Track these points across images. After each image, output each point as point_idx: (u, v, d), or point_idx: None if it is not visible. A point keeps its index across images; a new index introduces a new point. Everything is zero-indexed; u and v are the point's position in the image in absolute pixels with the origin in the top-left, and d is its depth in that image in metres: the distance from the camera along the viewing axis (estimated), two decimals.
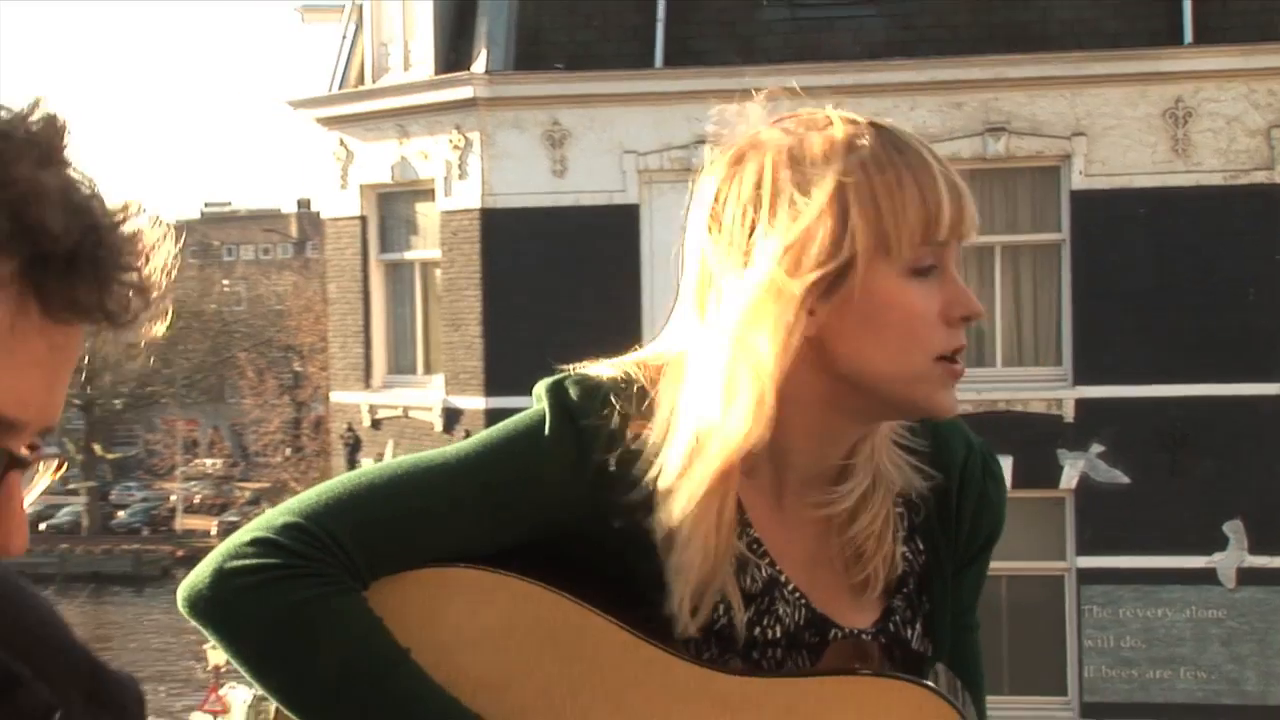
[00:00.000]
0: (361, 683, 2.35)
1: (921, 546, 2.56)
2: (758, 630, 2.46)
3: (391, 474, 2.48)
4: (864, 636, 2.50)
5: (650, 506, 2.42)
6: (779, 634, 2.47)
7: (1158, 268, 22.84)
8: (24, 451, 1.42)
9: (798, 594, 2.48)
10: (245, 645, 2.37)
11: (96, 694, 1.69)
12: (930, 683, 2.45)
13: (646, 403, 2.47)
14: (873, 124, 2.45)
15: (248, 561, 2.35)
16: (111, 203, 1.41)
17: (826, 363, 2.40)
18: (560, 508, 2.43)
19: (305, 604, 2.33)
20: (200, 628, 2.39)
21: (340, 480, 2.48)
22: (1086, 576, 23.09)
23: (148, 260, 1.42)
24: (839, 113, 2.47)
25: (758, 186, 2.41)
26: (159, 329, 1.46)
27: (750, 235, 2.41)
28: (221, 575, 2.35)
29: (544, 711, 2.43)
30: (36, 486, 1.49)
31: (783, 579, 2.48)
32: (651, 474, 2.42)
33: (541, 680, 2.43)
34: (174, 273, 1.46)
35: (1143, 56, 22.79)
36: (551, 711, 2.43)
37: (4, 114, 1.38)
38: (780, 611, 2.46)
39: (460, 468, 2.47)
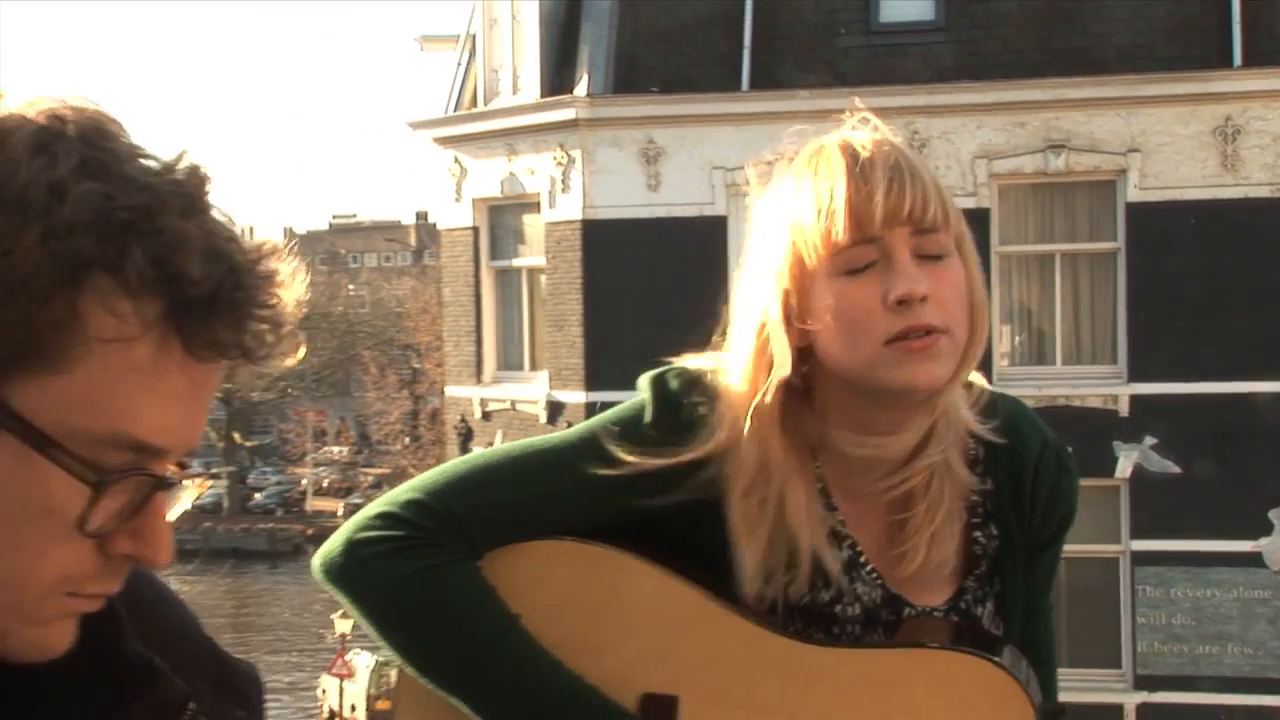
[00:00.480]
0: (474, 645, 2.40)
1: (995, 532, 2.55)
2: (838, 607, 2.48)
3: (505, 458, 2.54)
4: (935, 614, 2.51)
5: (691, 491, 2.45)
6: (858, 611, 2.48)
7: (1206, 274, 22.75)
8: (169, 473, 1.42)
9: (875, 574, 2.49)
10: (371, 608, 2.45)
11: (223, 683, 1.69)
12: (997, 659, 2.44)
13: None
14: (819, 149, 2.48)
15: (375, 533, 2.44)
16: (249, 244, 1.41)
17: (824, 367, 2.43)
18: (660, 491, 2.44)
19: (424, 572, 2.40)
20: (332, 592, 2.48)
21: (458, 462, 2.55)
22: (1140, 559, 23.05)
23: (281, 297, 1.42)
24: (834, 138, 2.49)
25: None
26: (290, 360, 1.46)
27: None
28: (352, 545, 2.44)
29: (639, 675, 2.45)
30: (182, 502, 1.48)
31: (862, 559, 2.49)
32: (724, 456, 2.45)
33: (637, 646, 2.46)
34: (305, 306, 1.47)
35: (1194, 78, 22.68)
36: (646, 675, 2.45)
37: (154, 164, 1.38)
38: (859, 590, 2.48)
39: (568, 453, 2.51)
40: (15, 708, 1.53)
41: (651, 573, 2.46)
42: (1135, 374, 23.00)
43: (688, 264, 23.46)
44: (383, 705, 47.03)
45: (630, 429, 2.48)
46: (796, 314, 2.41)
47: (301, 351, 1.48)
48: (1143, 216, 23.03)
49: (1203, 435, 22.63)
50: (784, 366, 2.41)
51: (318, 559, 2.48)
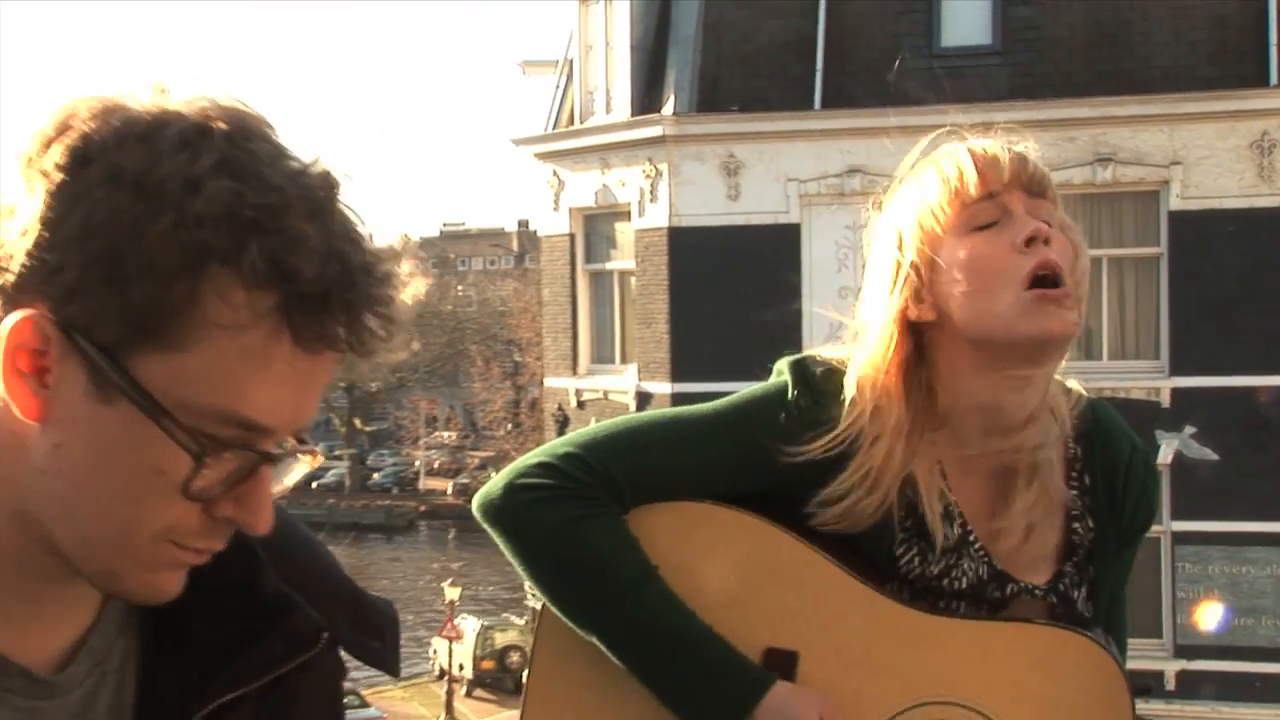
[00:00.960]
0: (615, 589, 2.43)
1: (1091, 525, 2.56)
2: (946, 581, 2.48)
3: (655, 422, 2.61)
4: (1037, 593, 2.51)
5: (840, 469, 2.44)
6: (965, 586, 2.48)
7: (1243, 277, 22.48)
8: (278, 448, 1.44)
9: (982, 551, 2.49)
10: (523, 548, 2.47)
11: (360, 617, 1.70)
12: (1093, 634, 2.44)
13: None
14: (936, 153, 2.52)
15: (534, 480, 2.45)
16: (371, 247, 1.41)
17: (956, 333, 2.42)
18: (797, 466, 2.45)
19: (575, 520, 2.42)
20: (488, 530, 2.49)
21: (615, 422, 2.58)
22: (1180, 538, 22.84)
23: (396, 297, 1.42)
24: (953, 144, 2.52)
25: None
26: (401, 355, 1.46)
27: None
28: (511, 489, 2.46)
29: (763, 631, 2.45)
30: (294, 474, 1.50)
31: (971, 537, 2.49)
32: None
33: (766, 604, 2.47)
34: (420, 304, 1.47)
35: (1232, 96, 22.44)
36: (770, 631, 2.46)
37: (292, 167, 1.38)
38: (965, 566, 2.48)
39: (715, 424, 2.54)
40: (166, 639, 1.57)
41: (781, 538, 2.46)
42: (1176, 368, 22.79)
43: (764, 267, 23.46)
44: (487, 665, 47.26)
45: (774, 407, 2.49)
46: (924, 287, 2.43)
47: (414, 346, 1.48)
48: (1184, 224, 22.82)
49: (1239, 425, 22.43)
50: (901, 347, 2.44)
51: (478, 498, 2.50)
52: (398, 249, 1.43)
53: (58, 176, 1.35)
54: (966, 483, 2.50)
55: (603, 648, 2.43)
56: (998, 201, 2.40)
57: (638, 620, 2.42)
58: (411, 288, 1.44)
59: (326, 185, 1.40)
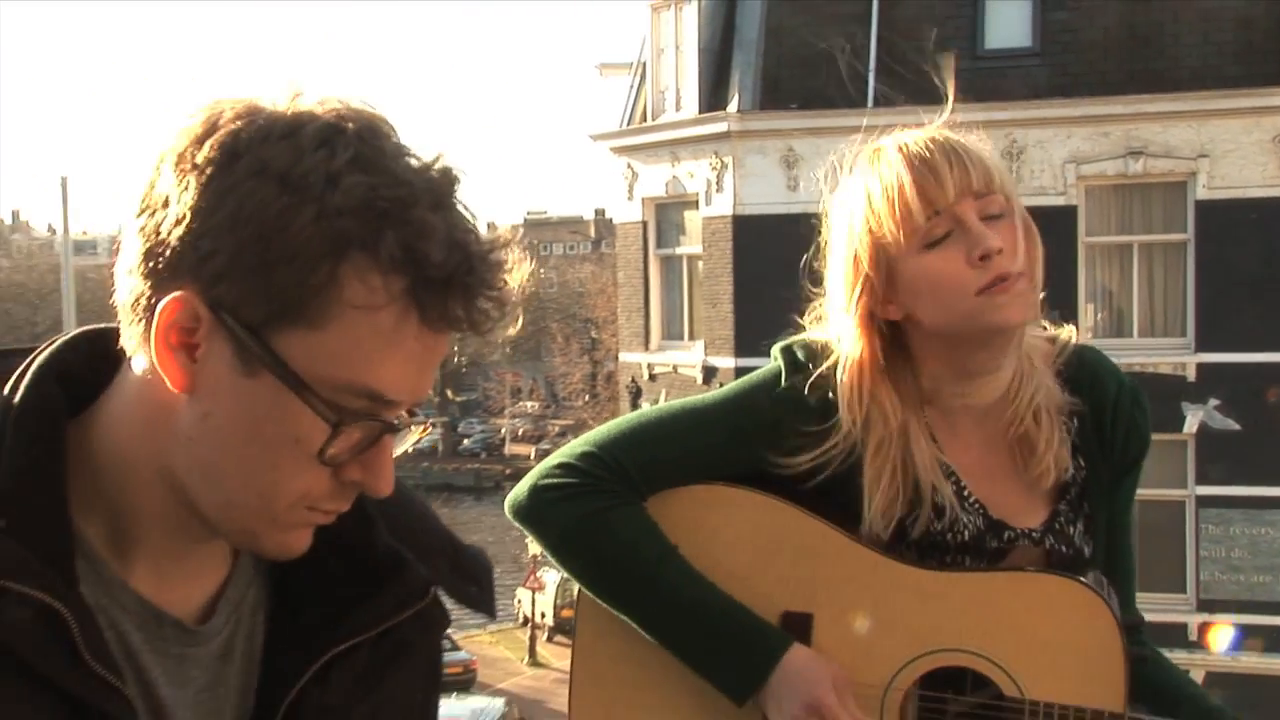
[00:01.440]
0: (639, 572, 2.45)
1: (1083, 463, 2.53)
2: (949, 535, 2.45)
3: (664, 416, 2.56)
4: (1034, 535, 2.48)
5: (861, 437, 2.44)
6: (966, 538, 2.45)
7: (1265, 261, 22.21)
8: (398, 420, 1.45)
9: (977, 503, 2.47)
10: (552, 542, 2.49)
11: (459, 565, 1.70)
12: (1084, 579, 2.42)
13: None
14: (877, 149, 2.50)
15: (555, 480, 2.47)
16: (485, 236, 1.42)
17: (924, 328, 2.41)
18: (796, 443, 2.46)
19: (596, 514, 2.44)
20: (520, 527, 2.52)
21: (625, 419, 2.57)
22: (1203, 502, 22.62)
23: (507, 281, 1.43)
24: (887, 139, 2.50)
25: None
26: (510, 331, 1.47)
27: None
28: (535, 490, 2.48)
29: (779, 596, 2.45)
30: (407, 441, 1.50)
31: (965, 493, 2.46)
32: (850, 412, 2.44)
33: (779, 572, 2.46)
34: (524, 289, 1.48)
35: (1256, 94, 22.09)
36: (785, 597, 2.45)
37: (414, 162, 1.40)
38: (964, 519, 2.45)
39: (715, 413, 2.53)
40: (290, 591, 1.60)
41: (789, 510, 2.46)
42: (1201, 345, 22.53)
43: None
44: (567, 613, 47.18)
45: (767, 392, 2.49)
46: (884, 295, 2.41)
47: (518, 325, 1.47)
48: (1210, 212, 22.53)
49: (1259, 397, 22.17)
50: (874, 346, 2.42)
51: (508, 500, 2.52)
52: (507, 238, 1.44)
53: (209, 171, 1.36)
54: (956, 442, 2.49)
55: (634, 625, 2.45)
56: (947, 214, 2.36)
57: (662, 597, 2.43)
58: (519, 272, 1.45)
59: (448, 180, 1.41)
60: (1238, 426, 22.33)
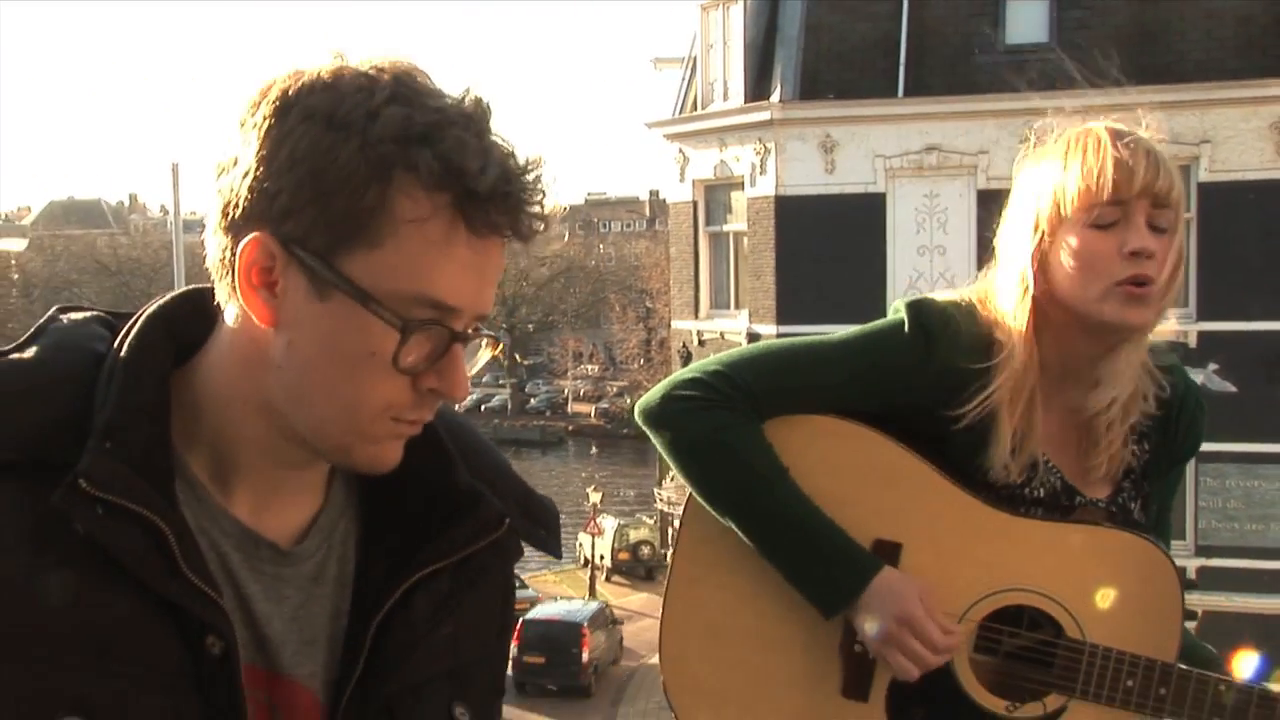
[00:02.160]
0: (751, 484, 2.42)
1: (1147, 448, 2.52)
2: (1027, 490, 2.43)
3: (792, 348, 2.53)
4: (1100, 504, 2.47)
5: (980, 392, 2.39)
6: (1042, 495, 2.43)
7: (1261, 238, 22.07)
8: (465, 330, 1.45)
9: (1054, 468, 2.44)
10: (675, 448, 2.45)
11: (529, 510, 1.70)
12: (1153, 539, 2.42)
13: (976, 320, 2.44)
14: (1089, 130, 2.42)
15: (687, 392, 2.44)
16: (523, 158, 1.42)
17: (1059, 300, 2.38)
18: (909, 391, 2.43)
19: (721, 427, 2.41)
20: (648, 431, 2.48)
21: (756, 346, 2.55)
22: (1202, 457, 22.37)
23: (544, 198, 1.44)
24: (1102, 124, 2.43)
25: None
26: (554, 246, 1.45)
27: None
28: (668, 399, 2.46)
29: (873, 524, 2.43)
30: (480, 360, 1.53)
31: (1043, 456, 2.43)
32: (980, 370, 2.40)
33: (876, 502, 2.45)
34: (561, 210, 1.48)
35: (1254, 85, 21.92)
36: (879, 525, 2.44)
37: (445, 101, 1.41)
38: (1041, 478, 2.42)
39: (842, 352, 2.49)
40: (378, 522, 1.61)
41: (891, 447, 2.44)
42: (1202, 314, 22.37)
43: (855, 229, 23.32)
44: (623, 556, 47.42)
45: (893, 339, 2.44)
46: (1047, 254, 2.38)
47: (564, 240, 1.48)
48: (1212, 193, 22.35)
49: (1254, 362, 22.02)
50: (1026, 295, 2.38)
51: (640, 405, 2.49)
52: (541, 161, 1.44)
53: (265, 125, 1.39)
54: (1047, 416, 2.43)
55: (738, 532, 2.43)
56: (1123, 207, 2.33)
57: (769, 511, 2.41)
58: (552, 196, 1.45)
59: (480, 108, 1.42)
60: (1234, 389, 22.20)
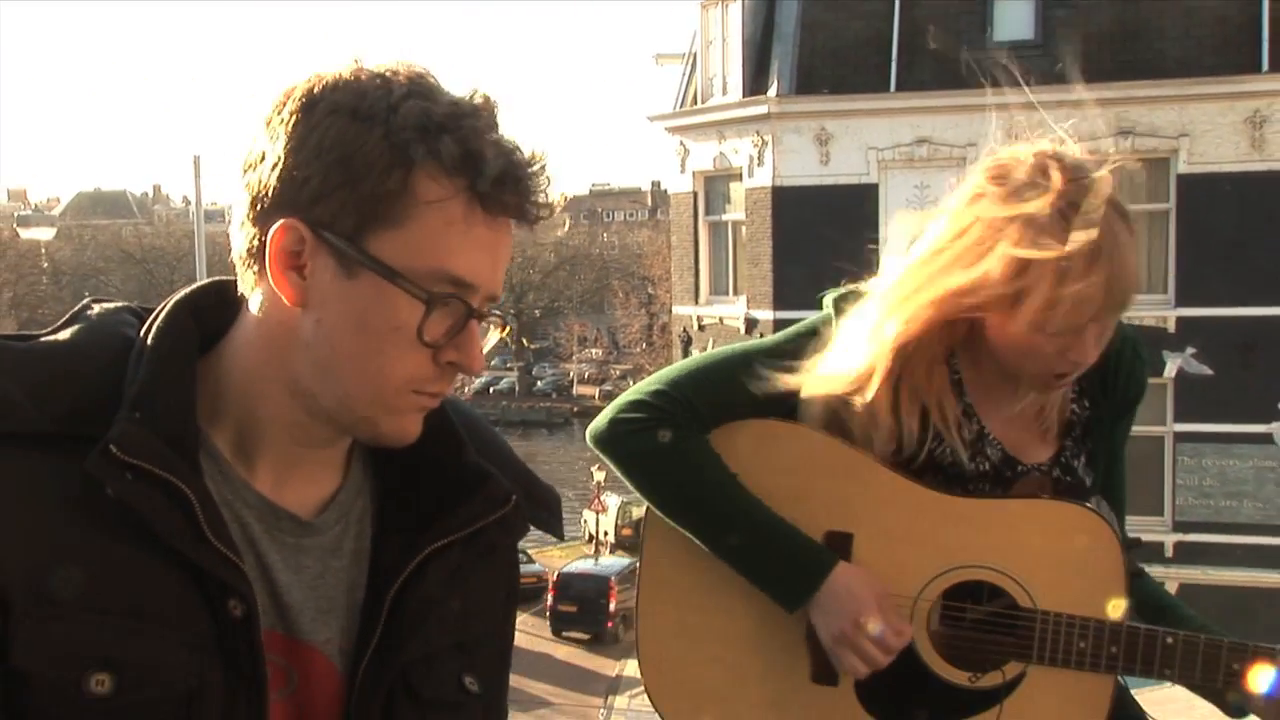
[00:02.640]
0: (702, 494, 2.42)
1: (1087, 404, 2.50)
2: (972, 465, 2.41)
3: (726, 358, 2.51)
4: (1043, 469, 2.45)
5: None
6: (987, 468, 2.41)
7: (1237, 227, 22.01)
8: (480, 307, 1.48)
9: (996, 441, 2.42)
10: (627, 467, 2.45)
11: (532, 494, 1.72)
12: (1090, 504, 2.41)
13: None
14: (1108, 210, 2.21)
15: (631, 414, 2.44)
16: (528, 150, 1.46)
17: (986, 340, 2.33)
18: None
19: (666, 442, 2.40)
20: (599, 455, 2.47)
21: (691, 361, 2.52)
22: (1180, 437, 22.52)
23: (548, 187, 1.47)
24: (1081, 178, 2.25)
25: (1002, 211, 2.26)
26: (558, 232, 1.48)
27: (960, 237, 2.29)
28: (614, 422, 2.45)
29: (823, 517, 2.42)
30: (490, 339, 1.55)
31: (986, 431, 2.42)
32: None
33: (824, 497, 2.43)
34: (563, 200, 1.51)
35: (1230, 81, 21.88)
36: (828, 518, 2.42)
37: (458, 97, 1.45)
38: (987, 453, 2.41)
39: (774, 355, 2.45)
40: (393, 498, 1.62)
41: (834, 443, 2.42)
42: (1180, 301, 22.39)
43: (849, 218, 23.22)
44: (626, 531, 47.36)
45: (817, 337, 2.43)
46: (985, 305, 2.26)
47: (567, 227, 1.51)
48: (1190, 184, 22.33)
49: (1230, 347, 22.02)
50: (944, 337, 2.33)
51: (590, 431, 2.48)
52: (544, 156, 1.47)
53: (292, 120, 1.42)
54: (979, 387, 2.42)
55: (696, 540, 2.43)
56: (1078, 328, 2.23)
57: (722, 517, 2.40)
58: (556, 183, 1.48)
59: (488, 104, 1.46)
60: (1211, 372, 22.23)
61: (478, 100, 1.45)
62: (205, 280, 1.62)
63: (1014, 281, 2.20)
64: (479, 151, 1.42)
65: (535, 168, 1.45)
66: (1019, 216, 2.20)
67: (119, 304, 1.61)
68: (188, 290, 1.59)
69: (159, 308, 1.56)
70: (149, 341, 1.50)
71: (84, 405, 1.44)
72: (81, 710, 1.39)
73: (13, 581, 1.38)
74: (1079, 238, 2.15)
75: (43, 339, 1.52)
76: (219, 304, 1.57)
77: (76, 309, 1.59)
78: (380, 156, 1.40)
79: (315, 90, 1.43)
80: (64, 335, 1.52)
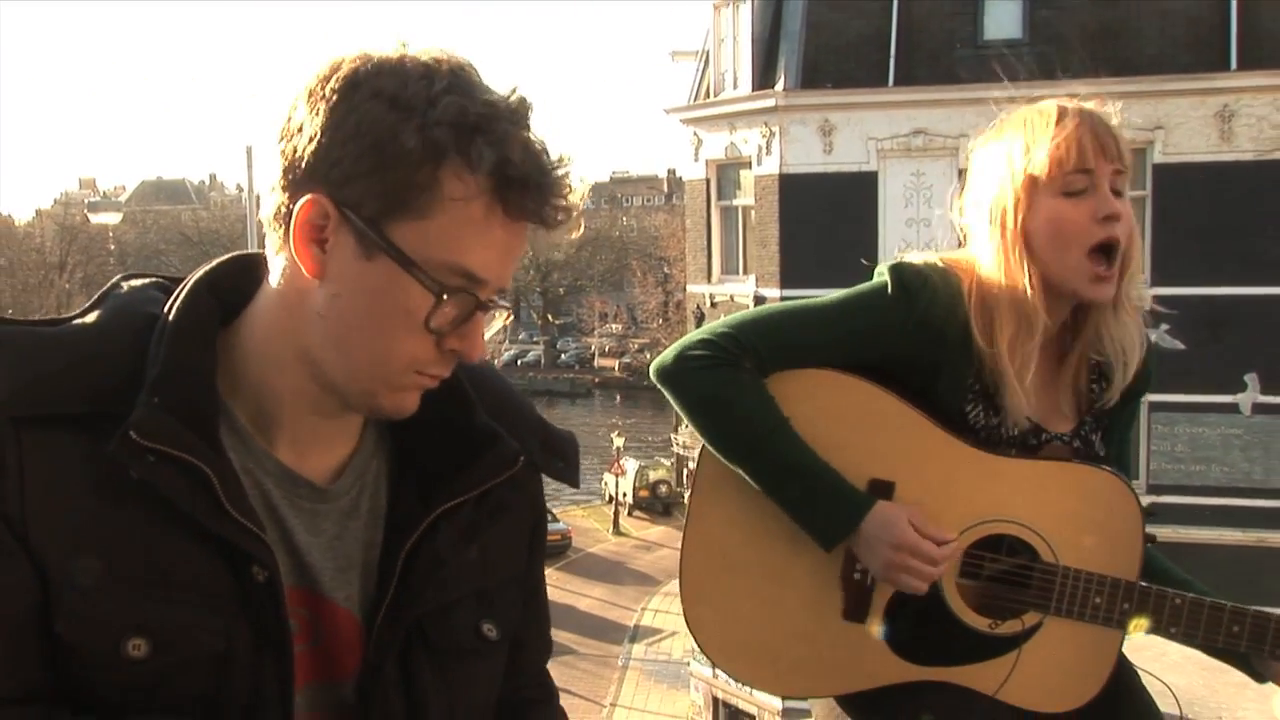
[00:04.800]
0: (756, 432, 2.37)
1: (1104, 386, 2.50)
2: (1002, 430, 2.40)
3: (792, 310, 2.48)
4: (1064, 439, 2.45)
5: (962, 344, 2.37)
6: (1016, 434, 2.40)
7: (1207, 213, 21.85)
8: (488, 300, 1.45)
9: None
10: (689, 402, 2.41)
11: (547, 443, 1.70)
12: (1115, 470, 2.42)
13: (948, 279, 2.40)
14: (1059, 104, 2.38)
15: (697, 351, 2.40)
16: (555, 154, 1.42)
17: (1037, 267, 2.35)
18: (894, 344, 2.39)
19: (728, 381, 2.37)
20: (663, 389, 2.43)
21: (760, 309, 2.48)
22: (1155, 407, 22.44)
23: (570, 190, 1.43)
24: (1051, 102, 2.40)
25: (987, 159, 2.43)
26: (575, 235, 1.46)
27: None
28: (681, 358, 2.41)
29: (868, 465, 2.40)
30: (495, 325, 1.50)
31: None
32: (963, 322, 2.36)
33: (870, 446, 2.41)
34: (585, 202, 1.47)
35: (1202, 78, 21.71)
36: (873, 466, 2.40)
37: (495, 96, 1.40)
38: (1014, 419, 2.39)
39: (835, 311, 2.44)
40: (406, 460, 1.61)
41: (884, 395, 2.39)
42: (1156, 280, 22.18)
43: (850, 204, 23.24)
44: (643, 493, 47.52)
45: (879, 299, 2.40)
46: (1024, 223, 2.34)
47: (581, 230, 1.46)
48: (1164, 173, 22.17)
49: (1200, 323, 21.90)
50: (1013, 254, 2.33)
51: (655, 365, 2.44)
52: (570, 159, 1.43)
53: (334, 99, 1.37)
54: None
55: (745, 476, 2.40)
56: (1089, 175, 2.31)
57: (772, 456, 2.36)
58: (580, 188, 1.44)
59: (523, 105, 1.41)
60: (1183, 346, 22.13)
61: (514, 100, 1.41)
62: (226, 256, 1.59)
63: (1024, 158, 2.33)
64: (508, 156, 1.38)
65: (561, 172, 1.42)
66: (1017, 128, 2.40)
67: (148, 280, 1.59)
68: (209, 266, 1.56)
69: (182, 284, 1.54)
70: (170, 322, 1.48)
71: (110, 386, 1.42)
72: (123, 672, 1.39)
73: (51, 559, 1.38)
74: (1048, 106, 2.36)
75: (72, 322, 1.50)
76: (239, 277, 1.54)
77: (107, 287, 1.57)
78: (413, 149, 1.36)
79: (360, 71, 1.38)
80: (90, 318, 1.50)
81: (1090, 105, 2.38)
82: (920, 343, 2.37)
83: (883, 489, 2.39)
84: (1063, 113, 2.35)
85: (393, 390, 1.47)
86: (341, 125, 1.37)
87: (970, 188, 2.45)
